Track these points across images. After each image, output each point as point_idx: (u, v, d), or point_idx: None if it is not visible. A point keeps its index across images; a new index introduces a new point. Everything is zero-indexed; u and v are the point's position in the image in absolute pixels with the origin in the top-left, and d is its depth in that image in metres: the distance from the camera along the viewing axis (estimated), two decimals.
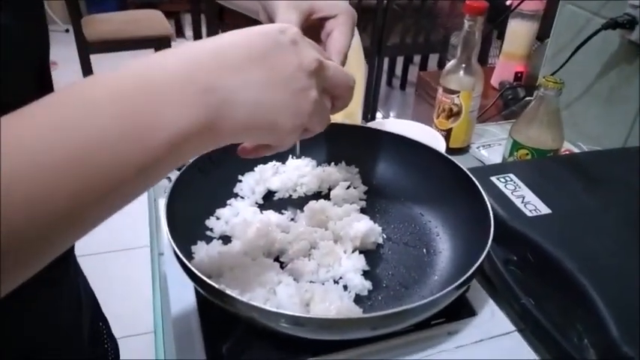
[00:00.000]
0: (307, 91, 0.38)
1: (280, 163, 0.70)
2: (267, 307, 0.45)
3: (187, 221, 0.57)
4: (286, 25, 0.39)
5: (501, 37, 1.52)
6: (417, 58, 2.98)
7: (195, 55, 0.35)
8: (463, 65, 0.84)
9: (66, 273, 0.55)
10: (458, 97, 0.84)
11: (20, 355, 0.48)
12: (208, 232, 0.60)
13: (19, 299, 0.46)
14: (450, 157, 0.64)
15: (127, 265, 1.79)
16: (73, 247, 0.56)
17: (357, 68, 0.75)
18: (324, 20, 0.51)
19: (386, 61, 2.77)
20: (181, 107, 0.32)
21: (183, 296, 0.54)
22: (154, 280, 0.61)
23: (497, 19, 1.32)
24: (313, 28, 0.50)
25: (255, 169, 0.68)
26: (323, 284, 0.53)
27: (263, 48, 0.37)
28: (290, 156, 0.70)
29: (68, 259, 0.56)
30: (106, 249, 1.86)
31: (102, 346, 0.66)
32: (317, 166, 0.71)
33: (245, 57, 0.36)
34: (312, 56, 0.39)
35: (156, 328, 0.55)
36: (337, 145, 0.71)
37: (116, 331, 0.71)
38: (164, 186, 0.76)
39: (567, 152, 0.86)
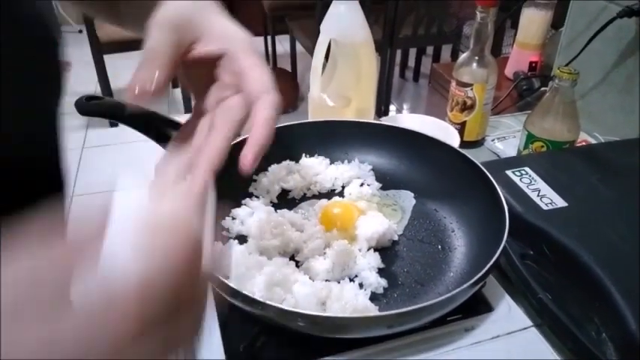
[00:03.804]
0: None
1: (294, 162, 0.70)
2: (285, 306, 0.46)
3: None
4: None
5: (515, 26, 1.50)
6: (429, 49, 2.95)
7: None
8: (476, 57, 0.83)
9: None
10: (471, 89, 0.84)
11: None
12: (225, 233, 0.61)
13: None
14: (463, 152, 0.64)
15: None
16: None
17: (368, 63, 0.75)
18: (216, 60, 0.38)
19: (398, 53, 2.75)
20: None
21: None
22: None
23: (510, 8, 1.30)
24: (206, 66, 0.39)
25: (269, 168, 0.68)
26: (339, 282, 0.53)
27: None
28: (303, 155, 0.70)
29: None
30: None
31: None
32: (330, 164, 0.71)
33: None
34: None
35: None
36: (350, 142, 0.71)
37: None
38: None
39: (583, 143, 0.84)
